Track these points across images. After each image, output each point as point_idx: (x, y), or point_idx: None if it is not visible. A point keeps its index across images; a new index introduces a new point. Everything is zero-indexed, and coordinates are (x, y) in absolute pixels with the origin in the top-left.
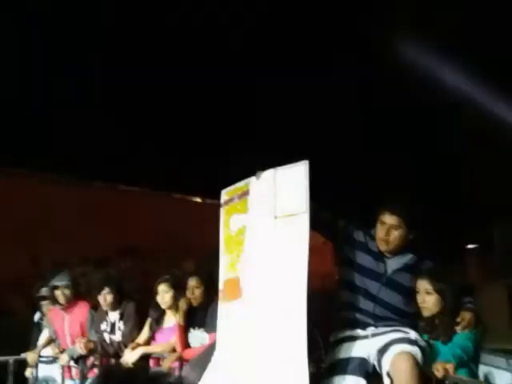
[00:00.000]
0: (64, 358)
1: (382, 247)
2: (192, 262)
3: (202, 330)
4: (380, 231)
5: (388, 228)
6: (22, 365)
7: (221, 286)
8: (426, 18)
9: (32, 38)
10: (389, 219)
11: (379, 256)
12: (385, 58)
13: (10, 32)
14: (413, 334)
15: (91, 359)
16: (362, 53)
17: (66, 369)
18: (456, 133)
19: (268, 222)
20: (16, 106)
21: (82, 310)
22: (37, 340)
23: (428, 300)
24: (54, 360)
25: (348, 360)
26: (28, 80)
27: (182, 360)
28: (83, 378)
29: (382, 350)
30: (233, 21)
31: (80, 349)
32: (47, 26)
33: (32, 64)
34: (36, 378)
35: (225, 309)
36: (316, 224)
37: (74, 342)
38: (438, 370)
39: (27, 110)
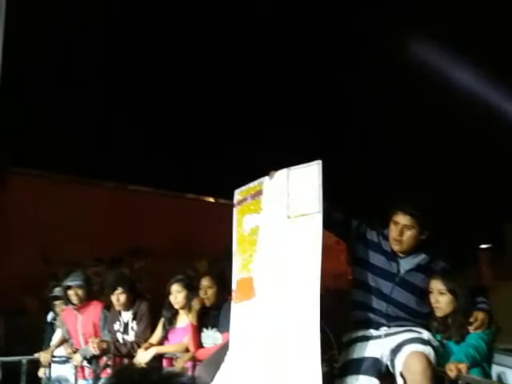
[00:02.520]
0: (77, 358)
1: (395, 247)
2: (205, 262)
3: (214, 329)
4: (393, 231)
5: (401, 228)
6: (35, 365)
7: (234, 286)
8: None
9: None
10: (402, 219)
11: (392, 256)
12: (396, 58)
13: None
14: (426, 334)
15: (104, 359)
16: (370, 52)
17: (79, 369)
18: (468, 133)
19: (281, 222)
20: (25, 106)
21: (95, 309)
22: (50, 340)
23: (441, 300)
24: (67, 360)
25: (361, 360)
26: (38, 84)
27: (194, 360)
28: (96, 378)
29: (395, 350)
30: (246, 23)
31: (93, 349)
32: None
33: (39, 65)
34: (49, 378)
35: (238, 309)
36: (329, 224)
37: (86, 342)
38: (451, 370)
39: (37, 112)
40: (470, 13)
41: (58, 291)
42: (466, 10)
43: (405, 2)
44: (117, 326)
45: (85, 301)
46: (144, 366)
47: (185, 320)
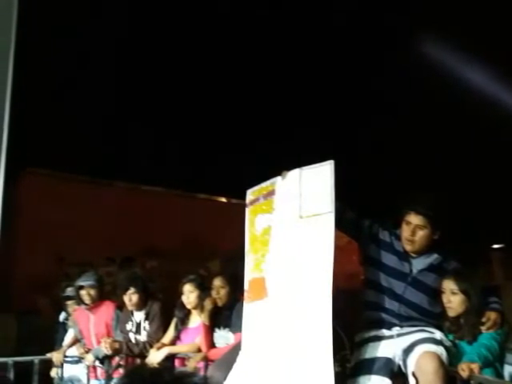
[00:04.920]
0: (89, 358)
1: (408, 247)
2: (217, 262)
3: (227, 329)
4: (405, 231)
5: (413, 228)
6: (48, 365)
7: (246, 285)
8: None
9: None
10: (414, 219)
11: (404, 256)
12: (410, 58)
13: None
14: (438, 334)
15: (116, 359)
16: (385, 52)
17: (92, 369)
18: (481, 133)
19: (293, 222)
20: (38, 106)
21: (107, 309)
22: (62, 340)
23: (453, 300)
24: (79, 360)
25: (373, 360)
26: (51, 83)
27: (207, 360)
28: (108, 378)
29: (408, 350)
30: (262, 21)
31: (105, 349)
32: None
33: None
34: (61, 378)
35: (250, 309)
36: (341, 224)
37: (99, 342)
38: (464, 370)
39: (50, 112)
40: (489, 14)
41: (70, 291)
42: (485, 11)
43: (421, 2)
44: (129, 326)
45: (97, 301)
46: (156, 366)
47: (197, 320)
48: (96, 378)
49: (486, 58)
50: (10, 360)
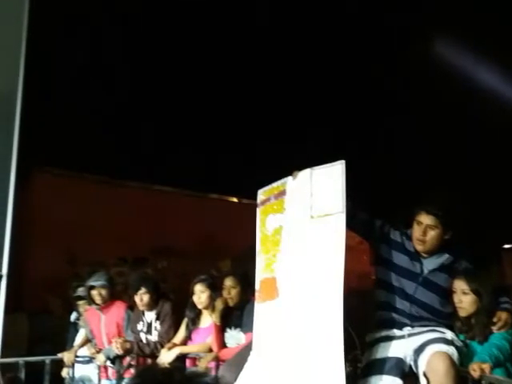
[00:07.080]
0: (100, 358)
1: (419, 247)
2: (228, 262)
3: (238, 330)
4: (416, 231)
5: (424, 228)
6: (59, 365)
7: (257, 286)
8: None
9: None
10: (425, 219)
11: (415, 256)
12: (421, 56)
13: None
14: (449, 334)
15: (127, 359)
16: (396, 51)
17: (103, 369)
18: (492, 132)
19: (304, 222)
20: (50, 106)
21: (118, 309)
22: (73, 340)
23: (464, 300)
24: (90, 360)
25: (384, 360)
26: (63, 83)
27: (218, 360)
28: (120, 378)
29: (419, 350)
30: (273, 20)
31: (116, 349)
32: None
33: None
34: (72, 378)
35: (261, 309)
36: (352, 224)
37: (110, 342)
38: (475, 370)
39: (62, 111)
40: (497, 13)
41: (81, 291)
42: (495, 11)
43: (434, 2)
44: (140, 326)
45: (108, 301)
46: (167, 365)
47: (208, 320)
48: (107, 377)
49: (500, 58)
50: (21, 360)
